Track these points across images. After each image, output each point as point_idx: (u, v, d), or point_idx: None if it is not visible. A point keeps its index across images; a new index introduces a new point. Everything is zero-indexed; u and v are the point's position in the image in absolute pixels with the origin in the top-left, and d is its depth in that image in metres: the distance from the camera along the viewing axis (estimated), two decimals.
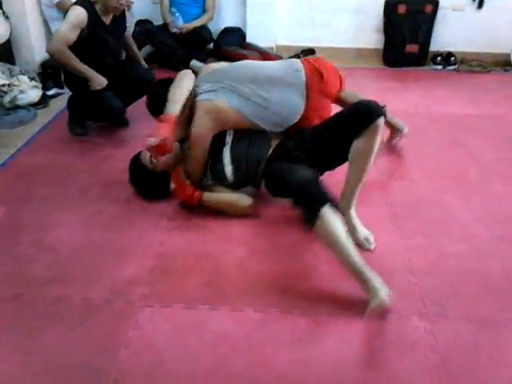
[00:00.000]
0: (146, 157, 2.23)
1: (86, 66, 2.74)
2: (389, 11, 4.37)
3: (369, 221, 2.16)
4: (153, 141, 2.03)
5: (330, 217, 1.77)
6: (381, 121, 1.99)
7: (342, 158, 2.14)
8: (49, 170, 2.62)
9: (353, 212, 2.12)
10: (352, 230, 2.02)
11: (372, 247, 2.06)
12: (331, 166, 2.24)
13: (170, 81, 2.25)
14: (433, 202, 2.41)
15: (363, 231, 2.09)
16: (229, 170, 2.22)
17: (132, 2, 3.88)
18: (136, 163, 2.32)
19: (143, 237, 2.12)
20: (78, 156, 2.80)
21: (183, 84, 2.18)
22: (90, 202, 2.35)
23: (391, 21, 4.38)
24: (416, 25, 4.34)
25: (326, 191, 1.86)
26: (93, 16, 2.73)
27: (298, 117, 2.26)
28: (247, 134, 2.24)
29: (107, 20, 2.83)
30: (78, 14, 2.66)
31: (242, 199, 2.23)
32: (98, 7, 2.76)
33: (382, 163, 2.67)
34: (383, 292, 1.67)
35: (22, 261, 1.96)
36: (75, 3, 2.74)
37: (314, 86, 2.27)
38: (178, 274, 1.92)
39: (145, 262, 1.97)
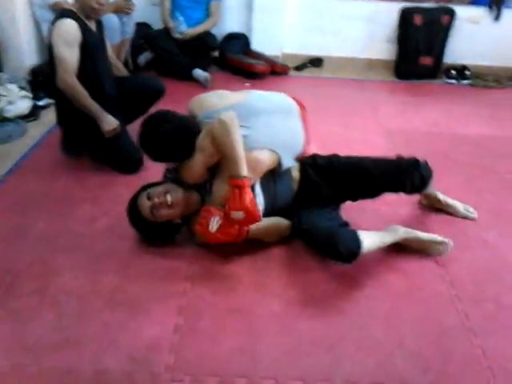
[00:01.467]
0: (146, 209, 1.89)
1: (96, 104, 2.39)
2: (404, 21, 4.16)
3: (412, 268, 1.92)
4: (241, 214, 1.76)
5: (367, 247, 1.87)
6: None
7: (369, 196, 2.15)
8: (45, 199, 2.31)
9: (438, 194, 2.32)
10: (452, 207, 2.32)
11: (476, 215, 2.32)
12: (356, 200, 2.19)
13: (187, 122, 1.97)
14: (476, 240, 2.18)
15: (458, 204, 2.33)
16: (260, 198, 1.99)
17: (134, 4, 3.61)
18: (135, 213, 1.95)
19: (161, 286, 1.83)
20: (76, 181, 2.48)
21: (238, 137, 1.85)
22: (95, 240, 2.05)
23: (406, 31, 4.17)
24: (431, 36, 4.14)
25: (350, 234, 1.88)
26: (82, 24, 2.38)
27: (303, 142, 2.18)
28: None
29: (92, 27, 2.50)
30: (68, 28, 2.30)
31: (281, 220, 2.06)
32: (79, 14, 2.39)
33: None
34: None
35: (21, 318, 1.66)
36: (55, 18, 2.36)
37: (301, 113, 2.22)
38: (207, 336, 1.64)
39: (166, 320, 1.69)
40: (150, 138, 1.94)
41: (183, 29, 3.96)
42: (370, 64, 4.52)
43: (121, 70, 2.88)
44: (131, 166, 2.55)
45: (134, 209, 1.93)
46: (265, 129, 2.03)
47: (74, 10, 2.39)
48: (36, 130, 3.02)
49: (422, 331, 1.69)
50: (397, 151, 2.92)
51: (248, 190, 1.78)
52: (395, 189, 2.11)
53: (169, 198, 1.88)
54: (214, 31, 4.21)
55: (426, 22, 4.09)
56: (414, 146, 3.05)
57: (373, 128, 3.30)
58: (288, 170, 2.10)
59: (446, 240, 2.05)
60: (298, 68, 4.47)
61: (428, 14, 4.08)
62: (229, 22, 4.44)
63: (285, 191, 2.09)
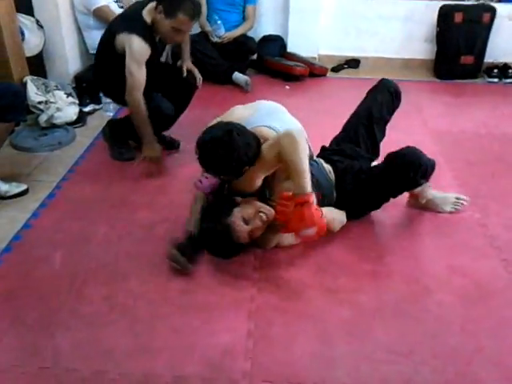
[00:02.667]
0: (244, 234, 1.84)
1: (150, 130, 2.48)
2: (444, 20, 4.09)
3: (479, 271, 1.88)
4: (312, 231, 1.74)
5: None
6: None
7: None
8: (102, 205, 2.32)
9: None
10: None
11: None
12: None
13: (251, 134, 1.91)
14: None
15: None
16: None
17: None
18: (225, 237, 1.84)
19: (228, 291, 1.83)
20: (130, 186, 2.49)
21: (305, 152, 1.81)
22: (157, 245, 2.06)
23: (446, 30, 4.09)
24: (472, 34, 4.06)
25: None
26: (152, 43, 2.44)
27: None
28: None
29: (156, 39, 2.54)
30: (141, 50, 2.38)
31: (340, 212, 2.08)
32: (152, 31, 2.45)
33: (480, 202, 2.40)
34: None
35: (95, 325, 1.67)
36: (128, 28, 2.39)
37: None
38: (280, 342, 1.63)
39: (238, 325, 1.68)
40: (220, 152, 1.81)
41: (221, 32, 3.96)
42: (408, 64, 4.46)
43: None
44: (166, 121, 2.67)
45: (224, 234, 1.82)
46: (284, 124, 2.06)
47: (148, 23, 2.42)
48: (84, 137, 3.05)
49: (500, 338, 1.65)
50: (446, 153, 2.91)
51: (314, 205, 1.75)
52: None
53: (264, 217, 1.85)
54: (250, 34, 4.21)
55: (466, 19, 4.02)
56: (463, 148, 3.00)
57: (419, 129, 3.26)
58: (319, 163, 2.14)
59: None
60: (335, 69, 4.43)
61: (469, 12, 4.01)
62: (264, 24, 4.42)
63: (325, 182, 2.10)
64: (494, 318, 1.74)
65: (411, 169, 1.98)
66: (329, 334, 1.66)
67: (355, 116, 2.39)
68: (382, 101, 2.35)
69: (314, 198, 1.76)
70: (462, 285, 1.89)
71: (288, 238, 2.02)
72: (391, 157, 2.06)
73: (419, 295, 1.84)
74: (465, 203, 2.33)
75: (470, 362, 1.57)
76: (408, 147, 2.05)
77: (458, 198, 2.34)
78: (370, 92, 2.43)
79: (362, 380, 1.50)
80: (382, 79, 2.45)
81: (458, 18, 4.02)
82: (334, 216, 2.07)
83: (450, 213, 2.30)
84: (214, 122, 2.03)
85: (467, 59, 4.13)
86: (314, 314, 1.74)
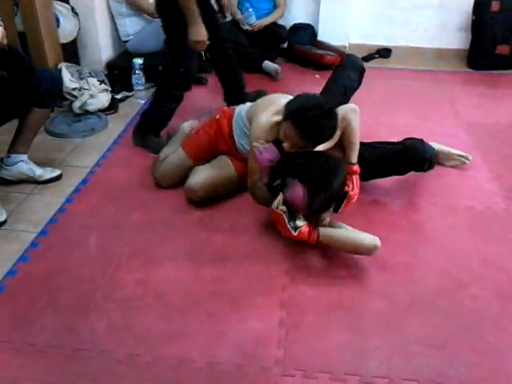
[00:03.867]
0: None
1: (197, 10, 2.36)
2: (480, 8, 3.97)
3: None
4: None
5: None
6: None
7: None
8: (135, 190, 2.35)
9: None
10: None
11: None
12: None
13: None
14: None
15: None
16: None
17: None
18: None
19: (260, 279, 1.83)
20: None
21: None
22: (190, 231, 2.08)
23: (482, 19, 3.98)
24: (509, 24, 3.94)
25: None
26: None
27: None
28: None
29: None
30: None
31: (368, 239, 1.87)
32: None
33: None
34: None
35: (129, 308, 1.70)
36: None
37: None
38: (313, 331, 1.63)
39: (270, 314, 1.69)
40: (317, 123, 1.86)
41: (252, 20, 3.94)
42: (440, 54, 4.36)
43: None
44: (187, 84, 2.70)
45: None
46: None
47: None
48: (116, 124, 3.08)
49: None
50: (480, 145, 2.85)
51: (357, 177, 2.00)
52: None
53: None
54: (280, 22, 4.17)
55: (503, 8, 3.90)
56: (498, 140, 2.93)
57: (452, 121, 3.19)
58: None
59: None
60: (366, 59, 4.36)
61: (506, 1, 3.89)
62: (294, 12, 4.38)
63: None
64: None
65: (417, 164, 2.24)
66: (361, 325, 1.66)
67: (329, 93, 2.38)
68: (354, 78, 2.47)
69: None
70: (497, 279, 1.86)
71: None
72: (397, 153, 2.22)
73: (453, 289, 1.81)
74: (467, 162, 2.55)
75: (505, 359, 1.55)
76: (413, 141, 2.25)
77: (460, 156, 2.55)
78: (340, 69, 2.54)
79: (395, 372, 1.49)
80: (349, 55, 2.65)
81: (495, 6, 3.91)
82: (353, 242, 1.90)
83: (451, 167, 2.55)
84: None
85: (503, 49, 4.02)
86: (346, 305, 1.73)
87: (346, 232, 1.91)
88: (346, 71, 2.47)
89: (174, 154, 2.34)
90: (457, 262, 1.95)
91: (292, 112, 1.88)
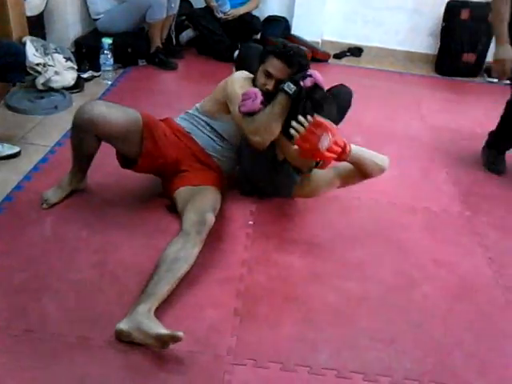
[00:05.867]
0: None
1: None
2: (450, 15, 4.08)
3: None
4: (327, 140, 1.72)
5: None
6: None
7: None
8: (95, 173, 2.29)
9: None
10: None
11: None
12: None
13: None
14: None
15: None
16: None
17: None
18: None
19: (218, 268, 1.84)
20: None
21: None
22: (151, 214, 2.06)
23: (451, 26, 4.10)
24: (477, 32, 4.06)
25: None
26: None
27: None
28: None
29: None
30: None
31: (380, 155, 1.96)
32: None
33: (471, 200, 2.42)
34: None
35: (83, 291, 1.67)
36: None
37: None
38: (266, 322, 1.65)
39: (226, 303, 1.70)
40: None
41: (226, 9, 3.91)
42: (410, 57, 4.46)
43: None
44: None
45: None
46: None
47: None
48: (80, 102, 2.93)
49: (481, 333, 1.69)
50: (441, 149, 2.93)
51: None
52: None
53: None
54: (255, 13, 4.16)
55: (473, 17, 4.01)
56: (458, 146, 3.02)
57: (417, 123, 3.28)
58: None
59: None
60: (337, 56, 4.41)
61: (476, 10, 4.00)
62: (270, 4, 4.39)
63: None
64: (475, 313, 1.78)
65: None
66: (314, 317, 1.69)
67: None
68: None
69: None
70: (447, 279, 1.93)
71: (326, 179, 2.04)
72: None
73: (405, 287, 1.87)
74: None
75: (449, 354, 1.61)
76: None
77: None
78: None
79: (343, 364, 1.53)
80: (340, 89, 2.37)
81: (465, 14, 4.02)
82: (371, 157, 1.92)
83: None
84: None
85: (469, 57, 4.14)
86: (300, 297, 1.76)
87: (364, 149, 1.92)
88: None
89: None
90: (410, 260, 2.01)
91: (273, 49, 1.97)
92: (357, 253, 2.00)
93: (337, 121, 2.12)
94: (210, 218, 1.82)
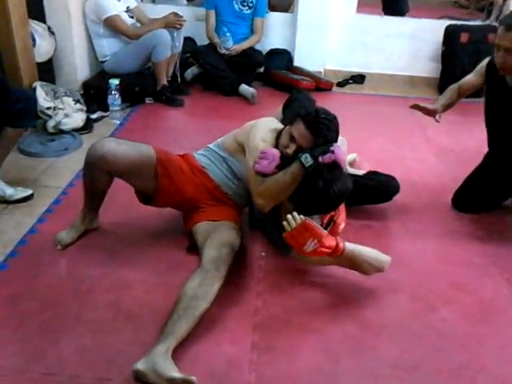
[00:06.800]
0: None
1: None
2: (449, 39, 4.15)
3: None
4: (313, 244, 1.72)
5: None
6: None
7: None
8: (107, 212, 2.31)
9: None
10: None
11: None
12: None
13: None
14: None
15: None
16: None
17: (184, 21, 3.66)
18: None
19: (233, 302, 1.83)
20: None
21: None
22: (161, 252, 2.07)
23: (451, 49, 4.15)
24: (478, 54, 4.09)
25: None
26: None
27: None
28: None
29: None
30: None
31: (381, 254, 1.86)
32: None
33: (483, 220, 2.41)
34: None
35: (100, 331, 1.66)
36: None
37: None
38: (285, 355, 1.63)
39: (243, 337, 1.68)
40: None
41: (229, 44, 4.00)
42: (413, 81, 4.51)
43: None
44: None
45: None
46: None
47: None
48: (90, 143, 3.00)
49: (504, 357, 1.66)
50: (450, 171, 2.93)
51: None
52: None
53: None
54: (257, 47, 4.25)
55: (472, 40, 4.07)
56: (467, 166, 3.01)
57: (423, 146, 3.29)
58: None
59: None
60: (340, 84, 4.48)
61: (474, 32, 4.07)
62: (271, 38, 4.48)
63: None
64: (497, 337, 1.75)
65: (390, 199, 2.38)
66: (333, 348, 1.67)
67: None
68: None
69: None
70: (466, 302, 1.90)
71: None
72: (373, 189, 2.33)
73: (423, 312, 1.84)
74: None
75: (472, 380, 1.57)
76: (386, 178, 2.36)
77: None
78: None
79: None
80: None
81: (464, 37, 4.08)
82: (367, 259, 1.84)
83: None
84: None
85: None
86: (318, 328, 1.74)
87: (362, 247, 1.85)
88: None
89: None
90: (426, 284, 1.99)
91: (304, 115, 1.88)
92: (371, 280, 1.98)
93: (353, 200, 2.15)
94: (230, 256, 1.81)
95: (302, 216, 1.72)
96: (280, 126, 2.05)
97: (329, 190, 1.77)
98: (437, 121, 2.51)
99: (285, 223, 1.74)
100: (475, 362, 1.64)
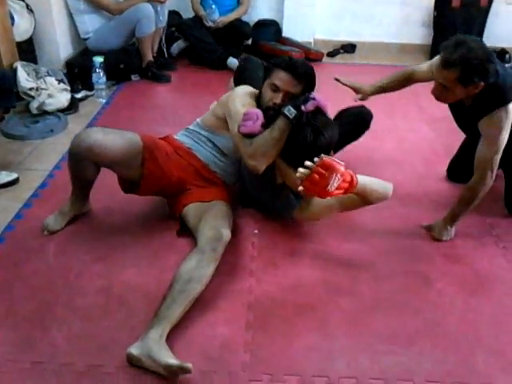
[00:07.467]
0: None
1: None
2: (441, 4, 4.04)
3: None
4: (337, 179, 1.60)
5: None
6: None
7: None
8: (97, 194, 2.26)
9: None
10: None
11: None
12: None
13: None
14: None
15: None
16: None
17: None
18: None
19: (226, 282, 1.80)
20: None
21: None
22: (153, 235, 2.02)
23: (443, 14, 4.06)
24: (469, 19, 4.03)
25: None
26: None
27: None
28: None
29: None
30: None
31: (384, 181, 1.85)
32: None
33: None
34: None
35: (91, 318, 1.63)
36: None
37: None
38: (280, 334, 1.61)
39: (237, 317, 1.66)
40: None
41: (216, 17, 3.88)
42: (404, 49, 4.42)
43: None
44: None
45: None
46: None
47: None
48: (76, 123, 2.99)
49: (502, 328, 1.65)
50: (443, 140, 2.89)
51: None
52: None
53: None
54: (244, 19, 4.14)
55: (464, 4, 3.97)
56: (459, 135, 2.96)
57: (416, 115, 3.23)
58: None
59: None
60: (331, 54, 4.38)
61: None
62: (259, 8, 4.36)
63: None
64: (494, 307, 1.74)
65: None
66: (328, 325, 1.65)
67: None
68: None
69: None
70: (462, 274, 1.88)
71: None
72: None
73: (418, 285, 1.82)
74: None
75: (470, 352, 1.56)
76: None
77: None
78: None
79: (362, 372, 1.49)
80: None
81: (456, 2, 3.98)
82: (375, 187, 1.81)
83: None
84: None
85: None
86: (313, 306, 1.72)
87: (367, 176, 1.78)
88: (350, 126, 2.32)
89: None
90: (421, 257, 1.96)
91: (278, 62, 1.93)
92: (366, 255, 1.96)
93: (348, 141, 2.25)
94: (226, 234, 1.77)
95: (315, 158, 1.63)
96: (255, 90, 2.04)
97: (318, 136, 1.75)
98: (355, 100, 2.44)
99: (299, 175, 1.62)
100: (473, 334, 1.62)
